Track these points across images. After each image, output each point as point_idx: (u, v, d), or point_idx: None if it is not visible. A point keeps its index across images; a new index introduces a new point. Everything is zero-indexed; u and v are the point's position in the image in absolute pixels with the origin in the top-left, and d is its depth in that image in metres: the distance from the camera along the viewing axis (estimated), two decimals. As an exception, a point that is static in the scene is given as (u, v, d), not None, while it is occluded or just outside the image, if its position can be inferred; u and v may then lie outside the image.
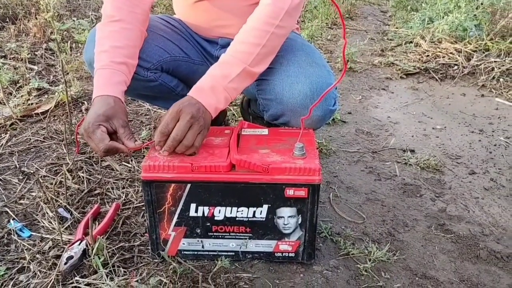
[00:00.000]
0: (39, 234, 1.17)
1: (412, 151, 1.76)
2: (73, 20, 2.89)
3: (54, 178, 1.39)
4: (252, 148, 1.07)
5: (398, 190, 1.49)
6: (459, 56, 2.60)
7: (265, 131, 1.17)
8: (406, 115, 2.09)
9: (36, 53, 2.56)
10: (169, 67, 1.26)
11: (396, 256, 1.17)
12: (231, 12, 1.24)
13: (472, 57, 2.59)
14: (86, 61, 1.22)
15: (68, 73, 2.17)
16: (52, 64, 2.44)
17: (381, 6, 4.41)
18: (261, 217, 1.05)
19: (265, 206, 1.04)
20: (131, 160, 1.54)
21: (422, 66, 2.58)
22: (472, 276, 1.12)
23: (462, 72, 2.50)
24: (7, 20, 3.03)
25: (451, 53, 2.64)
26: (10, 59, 2.42)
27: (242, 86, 1.08)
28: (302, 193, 1.02)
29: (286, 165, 1.00)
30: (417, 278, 1.10)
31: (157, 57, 1.21)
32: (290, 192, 1.02)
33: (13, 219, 1.22)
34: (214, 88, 1.03)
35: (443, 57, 2.63)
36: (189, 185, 1.02)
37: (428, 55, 2.68)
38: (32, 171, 1.44)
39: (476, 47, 2.64)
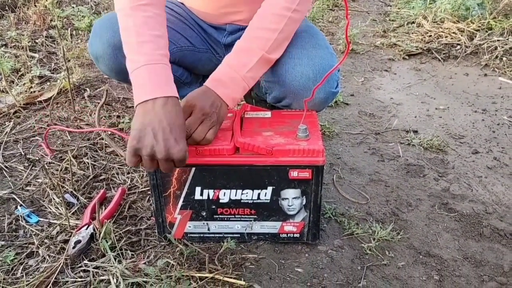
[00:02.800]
0: (47, 220, 1.19)
1: (415, 131, 1.76)
2: (73, 7, 2.87)
3: (59, 165, 1.40)
4: (256, 131, 1.08)
5: (401, 171, 1.50)
6: (461, 35, 2.57)
7: (268, 113, 1.18)
8: (409, 96, 2.09)
9: (36, 41, 2.55)
10: (175, 57, 1.24)
11: (400, 235, 1.18)
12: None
13: (475, 36, 2.56)
14: (92, 54, 1.18)
15: (69, 60, 2.16)
16: (53, 51, 2.43)
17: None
18: (265, 199, 1.06)
19: (270, 188, 1.05)
20: (135, 146, 1.55)
21: (425, 46, 2.56)
22: (475, 253, 1.14)
23: (465, 52, 2.48)
24: (7, 8, 3.02)
25: (453, 32, 2.61)
26: (11, 47, 2.41)
27: (259, 74, 1.07)
28: (306, 174, 1.03)
29: (289, 147, 1.01)
30: (421, 256, 1.12)
31: None
32: (294, 173, 1.03)
33: (21, 205, 1.24)
34: (233, 78, 1.02)
35: (446, 37, 2.61)
36: (193, 169, 1.03)
37: (430, 35, 2.65)
38: (37, 158, 1.45)
39: (479, 26, 2.62)
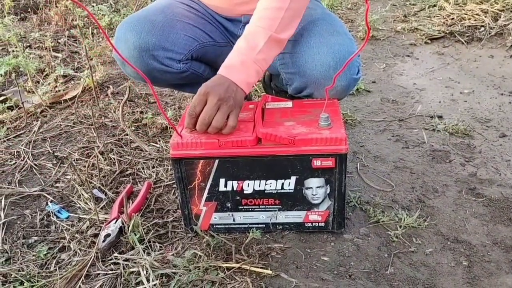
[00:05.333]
0: (77, 215, 1.22)
1: (440, 117, 1.73)
2: (92, 6, 2.91)
3: (86, 161, 1.44)
4: (277, 121, 1.08)
5: (426, 157, 1.47)
6: (485, 17, 2.51)
7: (289, 103, 1.18)
8: (432, 81, 2.05)
9: (59, 41, 2.61)
10: (198, 54, 1.25)
11: (427, 222, 1.16)
12: None
13: (500, 17, 2.49)
14: (118, 59, 1.20)
15: (92, 59, 2.20)
16: (75, 50, 2.48)
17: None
18: (289, 189, 1.06)
19: (293, 178, 1.05)
20: (159, 140, 1.57)
21: (447, 29, 2.51)
22: (505, 238, 1.11)
23: (489, 34, 2.42)
24: (29, 10, 3.08)
25: (477, 14, 2.54)
26: (35, 48, 2.47)
27: (271, 55, 1.06)
28: (329, 163, 1.02)
29: (312, 136, 1.00)
30: (449, 243, 1.10)
31: (187, 47, 1.21)
32: (317, 162, 1.02)
33: (51, 201, 1.27)
34: (243, 62, 1.02)
35: (469, 19, 2.54)
36: (217, 161, 1.04)
37: (453, 18, 2.59)
38: (65, 155, 1.49)
39: (503, 7, 2.54)
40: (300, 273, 1.01)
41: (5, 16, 2.85)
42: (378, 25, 2.67)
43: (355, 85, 1.20)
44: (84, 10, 2.83)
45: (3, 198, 1.27)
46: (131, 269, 1.01)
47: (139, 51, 1.14)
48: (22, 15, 3.10)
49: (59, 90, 1.93)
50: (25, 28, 2.81)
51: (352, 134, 1.62)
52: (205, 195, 1.08)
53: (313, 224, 1.11)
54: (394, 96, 1.91)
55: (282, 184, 1.06)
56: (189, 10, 1.27)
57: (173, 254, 1.06)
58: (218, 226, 1.13)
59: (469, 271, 1.02)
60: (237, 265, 1.01)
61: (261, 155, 1.03)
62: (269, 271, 1.00)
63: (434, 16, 2.70)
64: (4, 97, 1.83)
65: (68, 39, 2.63)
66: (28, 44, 2.51)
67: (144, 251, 1.06)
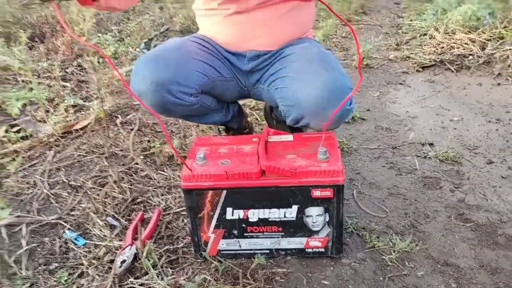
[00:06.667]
0: (93, 242, 1.30)
1: (431, 144, 1.83)
2: (98, 36, 3.04)
3: (100, 190, 1.53)
4: (279, 154, 1.18)
5: (418, 183, 1.57)
6: (473, 46, 2.64)
7: (290, 137, 1.28)
8: (424, 109, 2.16)
9: (66, 70, 2.72)
10: (207, 88, 1.35)
11: (419, 246, 1.26)
12: (263, 23, 1.32)
13: (487, 46, 2.63)
14: (136, 92, 1.27)
15: (100, 89, 2.31)
16: (83, 80, 2.58)
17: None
18: (291, 217, 1.16)
19: (295, 207, 1.14)
20: (166, 169, 1.67)
21: (438, 58, 2.64)
22: (491, 261, 1.21)
23: (478, 62, 2.55)
24: (36, 39, 3.20)
25: (465, 43, 2.68)
26: (43, 77, 2.58)
27: None
28: (328, 193, 1.12)
29: (311, 168, 1.10)
30: (439, 266, 1.19)
31: (198, 82, 1.31)
32: (316, 193, 1.12)
33: (68, 229, 1.36)
34: None
35: (458, 47, 2.68)
36: (225, 191, 1.14)
37: (443, 47, 2.73)
38: (79, 184, 1.58)
39: (491, 36, 2.68)
40: (302, 296, 1.10)
41: (14, 46, 2.98)
42: (371, 54, 2.79)
43: (348, 115, 1.30)
44: (89, 40, 2.96)
45: (24, 226, 1.36)
46: (146, 293, 1.10)
47: (155, 85, 1.24)
48: (29, 44, 3.22)
49: (70, 120, 2.03)
50: (32, 57, 2.93)
51: (348, 161, 1.72)
52: (214, 223, 1.18)
53: (314, 249, 1.20)
54: (387, 124, 2.02)
55: (285, 212, 1.15)
56: (200, 48, 1.38)
57: (184, 279, 1.14)
58: (225, 252, 1.22)
59: (458, 293, 1.11)
60: (244, 289, 1.10)
61: (265, 186, 1.13)
62: (273, 294, 1.09)
63: (425, 45, 2.83)
64: (18, 127, 1.92)
65: (75, 68, 2.74)
66: (37, 74, 2.62)
67: (157, 276, 1.14)
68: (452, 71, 2.54)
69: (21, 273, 1.19)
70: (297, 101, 1.25)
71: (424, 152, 1.76)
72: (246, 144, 1.24)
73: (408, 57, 2.74)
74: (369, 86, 2.44)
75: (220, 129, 1.79)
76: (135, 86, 1.25)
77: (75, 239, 1.31)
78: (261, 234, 1.19)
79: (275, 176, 1.11)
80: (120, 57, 2.83)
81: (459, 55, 2.64)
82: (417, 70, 2.59)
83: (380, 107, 2.20)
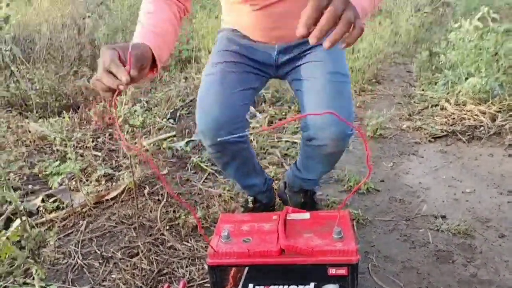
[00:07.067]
0: (123, 313, 1.40)
1: (444, 217, 1.90)
2: (128, 107, 3.26)
3: (129, 261, 1.63)
4: (297, 233, 1.28)
5: (431, 257, 1.64)
6: (484, 117, 2.76)
7: (306, 215, 1.38)
8: (436, 180, 2.25)
9: (98, 139, 2.92)
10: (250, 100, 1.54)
11: (432, 323, 1.31)
12: (292, 15, 1.35)
13: (497, 117, 2.74)
14: (199, 127, 1.46)
15: (130, 159, 2.47)
16: (113, 149, 2.77)
17: (407, 65, 4.63)
18: (309, 293, 1.24)
19: (312, 284, 1.23)
20: (190, 240, 1.77)
21: (449, 128, 2.75)
22: None
23: (488, 133, 2.65)
24: (69, 109, 3.43)
25: (476, 115, 2.80)
26: (77, 147, 2.77)
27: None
28: (342, 271, 1.20)
29: (327, 247, 1.20)
30: None
31: (245, 113, 1.47)
32: (332, 271, 1.21)
33: (100, 299, 1.46)
34: None
35: (469, 119, 2.79)
36: (247, 268, 1.23)
37: (454, 118, 2.85)
38: (110, 255, 1.69)
39: (500, 108, 2.80)
40: None
41: (50, 117, 3.22)
42: (385, 124, 2.92)
43: (349, 137, 1.45)
44: (120, 111, 3.18)
45: (60, 297, 1.47)
46: None
47: (217, 124, 1.41)
48: (62, 114, 3.46)
49: (101, 190, 2.18)
50: (67, 127, 3.15)
51: (363, 233, 1.80)
52: (236, 298, 1.26)
53: (330, 325, 1.27)
54: (401, 195, 2.11)
55: (303, 289, 1.24)
56: (237, 70, 1.51)
57: None
58: (246, 326, 1.29)
59: None
60: None
61: (284, 264, 1.22)
62: None
63: (436, 116, 2.96)
64: (55, 197, 2.07)
65: (106, 137, 2.93)
66: (72, 144, 2.81)
67: None
68: (464, 142, 2.64)
69: None
70: (317, 132, 1.44)
71: (437, 225, 1.83)
72: (267, 222, 1.35)
73: (421, 127, 2.86)
74: (383, 156, 2.55)
75: (249, 199, 1.89)
76: (200, 123, 1.45)
77: (107, 310, 1.40)
78: (281, 309, 1.26)
79: (294, 254, 1.21)
80: (148, 127, 3.03)
81: (470, 126, 2.75)
82: (429, 141, 2.70)
83: (393, 178, 2.29)
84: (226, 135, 1.41)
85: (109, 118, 3.18)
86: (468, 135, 2.69)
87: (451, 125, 2.79)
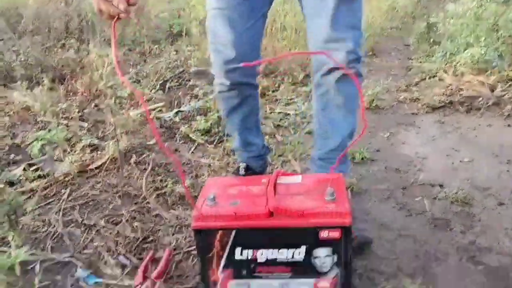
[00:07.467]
0: (104, 280, 1.32)
1: (441, 185, 1.83)
2: (115, 78, 3.15)
3: (112, 228, 1.56)
4: (288, 195, 1.20)
5: (428, 225, 1.57)
6: (482, 87, 2.67)
7: (298, 178, 1.30)
8: (433, 150, 2.17)
9: (84, 110, 2.81)
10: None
11: (429, 289, 1.25)
12: None
13: (496, 88, 2.66)
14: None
15: (116, 129, 2.38)
16: (99, 120, 2.66)
17: (404, 39, 4.52)
18: (299, 258, 1.16)
19: (303, 248, 1.15)
20: (178, 208, 1.69)
21: (447, 99, 2.67)
22: (503, 306, 1.19)
23: (487, 104, 2.57)
24: (56, 81, 3.32)
25: (474, 85, 2.72)
26: (62, 118, 2.67)
27: None
28: (335, 234, 1.13)
29: (319, 209, 1.12)
30: (449, 310, 1.18)
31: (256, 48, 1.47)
32: (324, 234, 1.13)
33: (80, 267, 1.38)
34: None
35: (467, 89, 2.71)
36: (234, 232, 1.16)
37: (451, 89, 2.76)
38: (92, 223, 1.61)
39: (499, 78, 2.71)
40: None
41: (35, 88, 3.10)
42: (381, 95, 2.84)
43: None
44: (109, 81, 3.07)
45: (38, 264, 1.39)
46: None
47: (229, 71, 1.44)
48: (49, 86, 3.34)
49: (86, 159, 2.09)
50: (52, 98, 3.04)
51: (358, 202, 1.73)
52: (223, 263, 1.19)
53: (322, 291, 1.20)
54: (397, 165, 2.04)
55: (293, 253, 1.16)
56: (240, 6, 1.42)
57: (193, 319, 1.15)
58: (234, 293, 1.22)
59: (469, 338, 1.09)
60: (252, 331, 1.10)
61: (273, 227, 1.15)
62: (281, 337, 1.08)
63: (434, 86, 2.87)
64: (36, 166, 1.99)
65: (93, 109, 2.83)
66: (56, 115, 2.71)
67: (166, 316, 1.15)
68: (462, 113, 2.56)
69: (32, 311, 1.21)
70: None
71: (434, 194, 1.76)
72: (256, 185, 1.26)
73: (418, 98, 2.78)
74: (378, 127, 2.47)
75: (241, 167, 1.80)
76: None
77: (87, 277, 1.33)
78: (270, 274, 1.19)
79: (283, 217, 1.13)
80: (137, 98, 2.92)
81: (468, 96, 2.67)
82: (426, 112, 2.62)
83: (390, 148, 2.22)
84: (240, 74, 1.43)
85: (96, 90, 3.07)
86: (467, 105, 2.61)
87: (449, 96, 2.71)
